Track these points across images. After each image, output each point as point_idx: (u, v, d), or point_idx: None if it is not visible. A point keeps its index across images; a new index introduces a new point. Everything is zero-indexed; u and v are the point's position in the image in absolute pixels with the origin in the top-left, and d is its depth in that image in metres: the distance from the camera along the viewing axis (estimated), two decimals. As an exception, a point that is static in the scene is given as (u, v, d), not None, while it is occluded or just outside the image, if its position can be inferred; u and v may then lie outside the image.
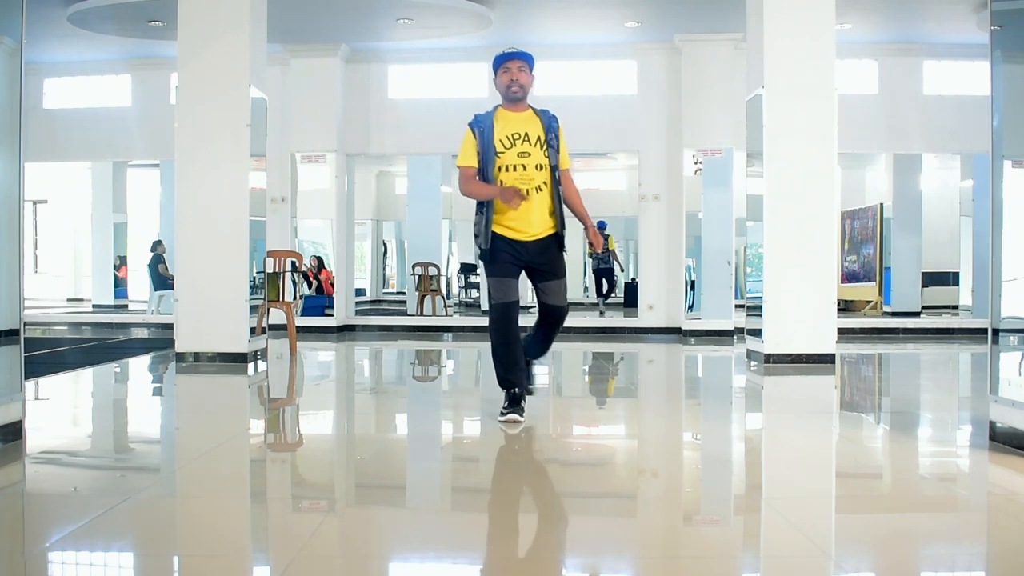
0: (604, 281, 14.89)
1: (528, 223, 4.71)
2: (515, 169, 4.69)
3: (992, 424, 4.17)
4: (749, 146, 8.27)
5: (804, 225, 7.57)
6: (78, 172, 16.63)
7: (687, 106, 11.04)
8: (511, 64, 4.83)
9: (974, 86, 11.03)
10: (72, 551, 2.74)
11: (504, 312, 4.71)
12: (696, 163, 10.95)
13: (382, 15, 10.37)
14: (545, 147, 4.74)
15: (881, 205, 14.53)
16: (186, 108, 7.67)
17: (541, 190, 4.71)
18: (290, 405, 6.20)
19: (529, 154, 4.71)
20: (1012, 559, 2.73)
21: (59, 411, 5.69)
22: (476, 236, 4.80)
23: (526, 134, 4.74)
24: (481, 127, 4.74)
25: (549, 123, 4.81)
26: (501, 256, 4.73)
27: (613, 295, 14.96)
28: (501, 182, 4.67)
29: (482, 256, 4.82)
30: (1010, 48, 4.38)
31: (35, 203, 18.75)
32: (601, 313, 14.10)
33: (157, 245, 13.61)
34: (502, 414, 4.78)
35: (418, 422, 5.62)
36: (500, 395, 4.93)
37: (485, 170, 4.70)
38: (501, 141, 4.71)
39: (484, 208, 4.73)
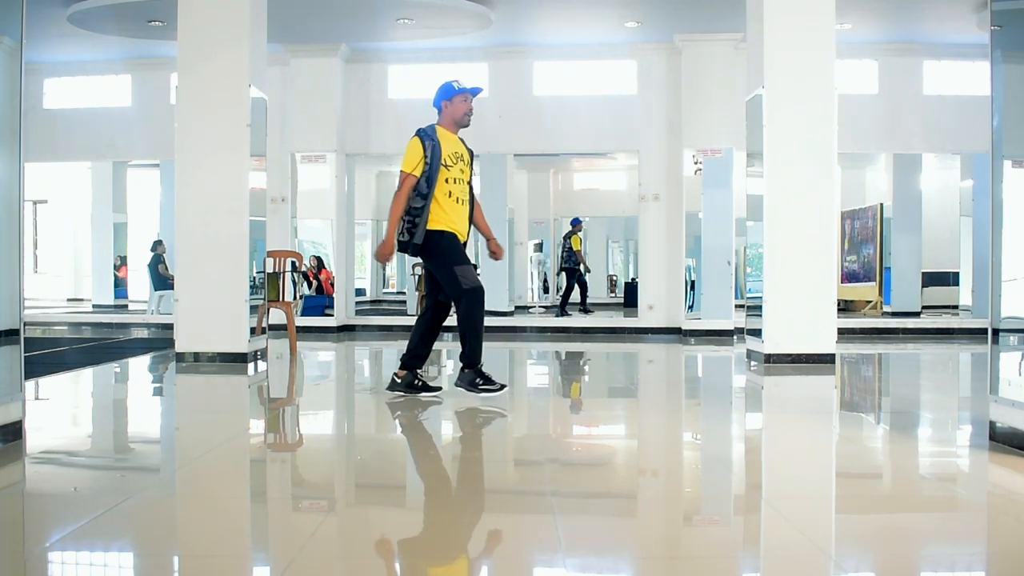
0: (569, 281, 14.82)
1: (464, 226, 5.52)
2: (457, 183, 5.47)
3: (992, 424, 4.17)
4: (749, 146, 8.27)
5: (804, 225, 7.56)
6: (78, 172, 16.62)
7: (687, 106, 11.05)
8: (472, 97, 5.62)
9: (974, 86, 11.04)
10: (72, 551, 2.74)
11: (482, 294, 5.40)
12: (696, 163, 10.95)
13: (382, 15, 10.37)
14: (470, 169, 5.60)
15: (881, 205, 14.52)
16: (186, 108, 7.67)
17: (467, 202, 5.54)
18: (290, 405, 6.20)
19: (464, 171, 5.53)
20: (1012, 559, 2.73)
21: (59, 411, 5.69)
22: (413, 234, 5.37)
23: (462, 155, 5.54)
24: (430, 140, 5.42)
25: (470, 150, 5.65)
26: (461, 249, 5.48)
27: (581, 306, 14.75)
28: (449, 192, 5.42)
29: (428, 243, 5.40)
30: (1010, 48, 4.38)
31: (35, 203, 18.75)
32: (563, 314, 13.93)
33: (157, 245, 13.61)
34: (494, 388, 5.45)
35: (418, 422, 5.62)
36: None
37: (431, 179, 5.37)
38: (449, 156, 5.44)
39: (421, 208, 5.37)
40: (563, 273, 15.07)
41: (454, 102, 5.54)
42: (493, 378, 5.51)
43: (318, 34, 11.05)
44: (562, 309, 14.26)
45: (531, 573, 2.68)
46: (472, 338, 5.42)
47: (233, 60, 7.64)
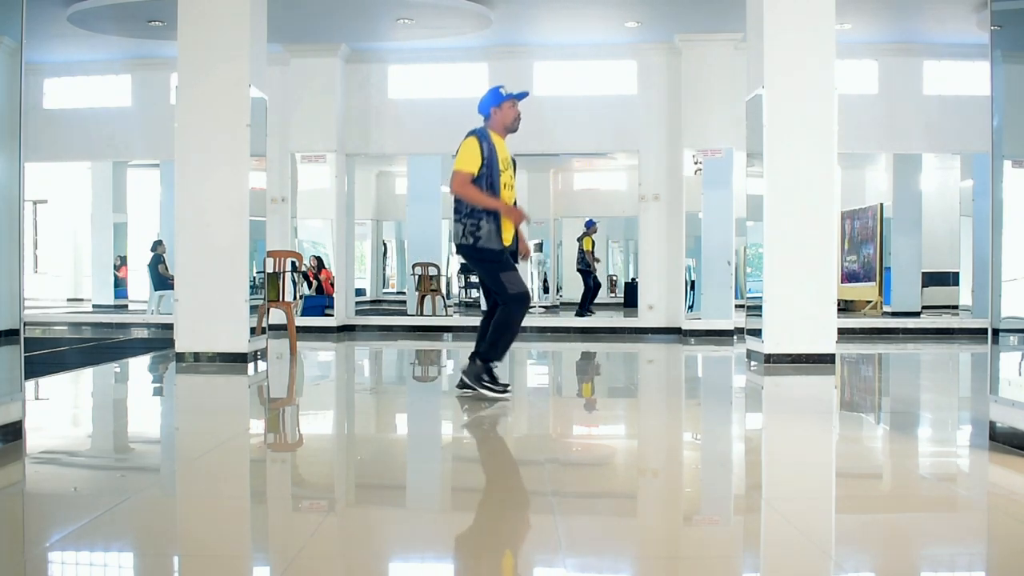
0: (583, 284, 14.98)
1: (511, 233, 5.47)
2: (508, 188, 5.46)
3: (992, 424, 4.17)
4: (749, 146, 8.27)
5: (804, 225, 7.56)
6: (78, 172, 16.62)
7: (687, 106, 11.04)
8: (518, 102, 5.53)
9: (974, 86, 11.04)
10: (72, 551, 2.74)
11: (527, 300, 5.44)
12: (696, 163, 10.95)
13: (382, 15, 10.37)
14: (514, 175, 5.58)
15: (881, 205, 14.53)
16: (186, 108, 7.67)
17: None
18: (290, 405, 6.20)
19: (512, 178, 5.53)
20: (1012, 559, 2.73)
21: (59, 411, 5.69)
22: (476, 237, 5.35)
23: (511, 160, 5.54)
24: (487, 142, 5.34)
25: (511, 157, 5.59)
26: (507, 254, 5.42)
27: (591, 309, 14.78)
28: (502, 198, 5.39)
29: (492, 256, 5.38)
30: (1010, 48, 4.38)
31: (35, 203, 18.75)
32: (579, 314, 13.99)
33: (157, 245, 13.61)
34: (498, 390, 5.45)
35: (418, 422, 5.62)
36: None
37: (493, 184, 5.35)
38: (502, 162, 5.42)
39: (493, 214, 5.34)
40: (580, 274, 15.27)
41: (503, 108, 5.47)
42: (500, 381, 5.50)
43: (318, 34, 11.05)
44: (582, 309, 14.31)
45: (531, 573, 2.68)
46: (502, 339, 5.40)
47: (233, 60, 7.64)
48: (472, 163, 5.29)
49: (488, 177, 5.31)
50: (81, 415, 5.70)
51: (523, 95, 5.58)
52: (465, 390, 5.49)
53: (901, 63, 11.49)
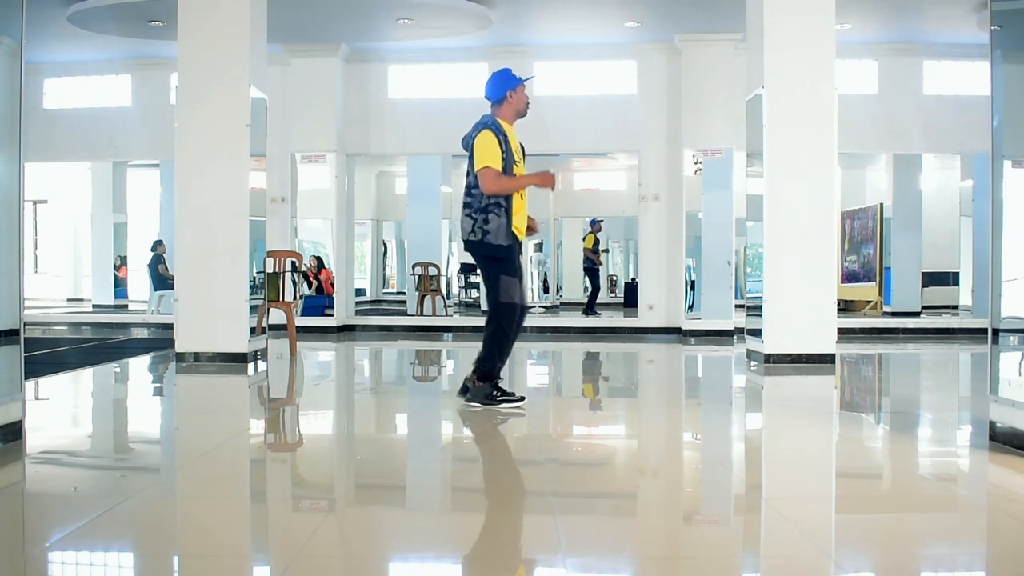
0: (587, 281, 15.04)
1: (524, 223, 5.25)
2: None
3: (992, 424, 4.17)
4: (749, 146, 8.27)
5: (804, 225, 7.56)
6: (78, 172, 16.62)
7: (687, 106, 11.04)
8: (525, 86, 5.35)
9: (974, 86, 11.03)
10: (72, 551, 2.74)
11: (520, 312, 5.19)
12: (696, 163, 10.95)
13: (382, 15, 10.37)
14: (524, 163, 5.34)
15: (881, 205, 14.52)
16: (186, 108, 7.67)
17: (525, 196, 5.27)
18: (290, 405, 6.20)
19: (523, 168, 5.29)
20: (1012, 559, 2.73)
21: (59, 411, 5.69)
22: (484, 231, 5.10)
23: (522, 149, 5.32)
24: (501, 135, 5.13)
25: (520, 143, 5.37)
26: (516, 258, 5.17)
27: (595, 310, 14.75)
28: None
29: (499, 253, 5.13)
30: (1010, 48, 4.38)
31: (35, 203, 18.74)
32: (585, 314, 14.02)
33: (157, 245, 13.61)
34: (512, 399, 5.20)
35: (418, 422, 5.62)
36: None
37: (508, 174, 5.12)
38: (515, 151, 5.20)
39: (504, 207, 5.10)
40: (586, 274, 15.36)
41: (518, 92, 5.27)
42: (508, 391, 5.26)
43: (318, 34, 11.05)
44: (589, 309, 14.31)
45: (531, 573, 2.68)
46: (495, 352, 5.14)
47: (233, 60, 7.64)
48: (496, 158, 5.05)
49: (505, 170, 5.10)
50: (81, 415, 5.70)
51: (530, 78, 5.46)
52: (473, 404, 5.18)
53: (901, 63, 11.49)
